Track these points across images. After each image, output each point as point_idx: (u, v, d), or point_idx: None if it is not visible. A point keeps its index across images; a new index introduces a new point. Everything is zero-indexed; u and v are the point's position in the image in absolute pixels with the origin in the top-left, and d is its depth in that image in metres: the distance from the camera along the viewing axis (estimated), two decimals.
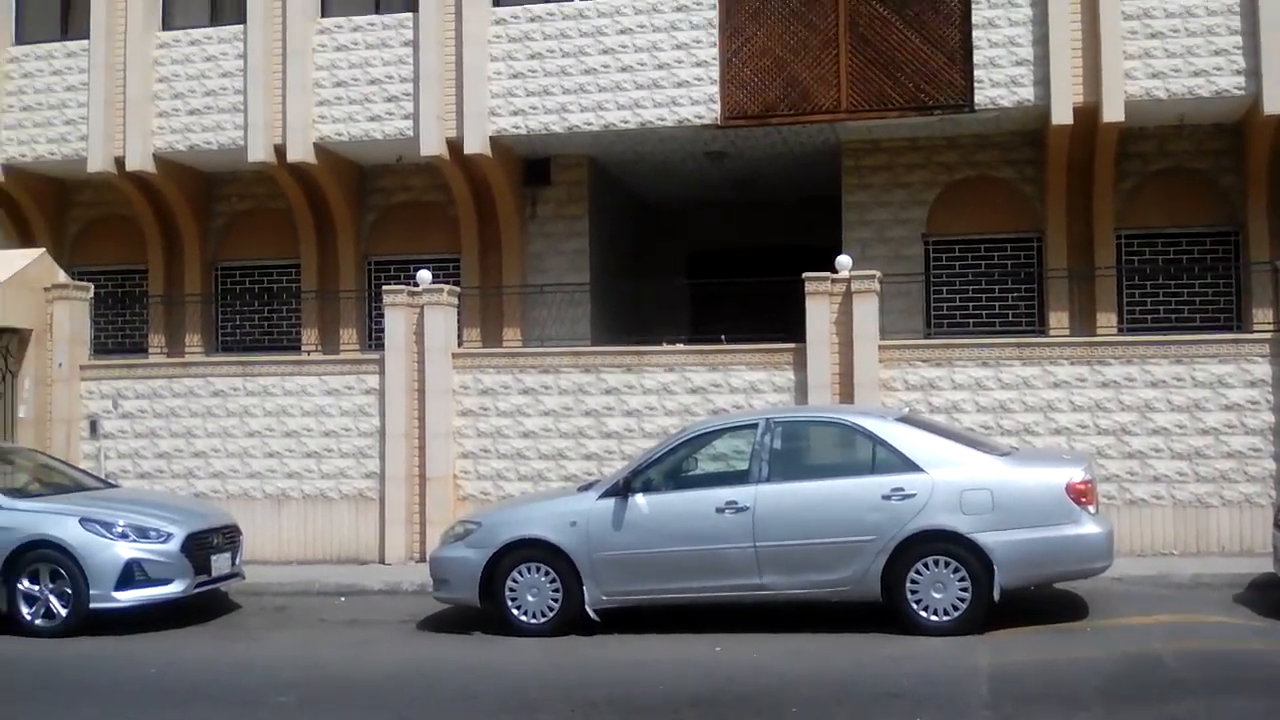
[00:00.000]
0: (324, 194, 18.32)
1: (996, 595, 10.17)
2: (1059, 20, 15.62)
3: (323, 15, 17.87)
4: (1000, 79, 15.95)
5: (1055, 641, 9.96)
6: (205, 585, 12.48)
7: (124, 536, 12.04)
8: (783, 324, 14.87)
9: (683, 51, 16.71)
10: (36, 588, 11.92)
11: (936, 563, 10.26)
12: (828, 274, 14.31)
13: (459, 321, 15.99)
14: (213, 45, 18.12)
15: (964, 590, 10.20)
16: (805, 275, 14.34)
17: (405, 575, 14.05)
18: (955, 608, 10.21)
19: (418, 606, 12.44)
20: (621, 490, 11.02)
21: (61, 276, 16.60)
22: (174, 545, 12.12)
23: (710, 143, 17.54)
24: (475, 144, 17.05)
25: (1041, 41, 15.74)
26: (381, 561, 15.00)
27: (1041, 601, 11.02)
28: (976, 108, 16.10)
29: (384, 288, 15.72)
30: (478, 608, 11.30)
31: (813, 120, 16.71)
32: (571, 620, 10.93)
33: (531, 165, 18.29)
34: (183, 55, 18.21)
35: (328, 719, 8.81)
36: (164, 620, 12.08)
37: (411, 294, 15.34)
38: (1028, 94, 15.84)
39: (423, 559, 14.41)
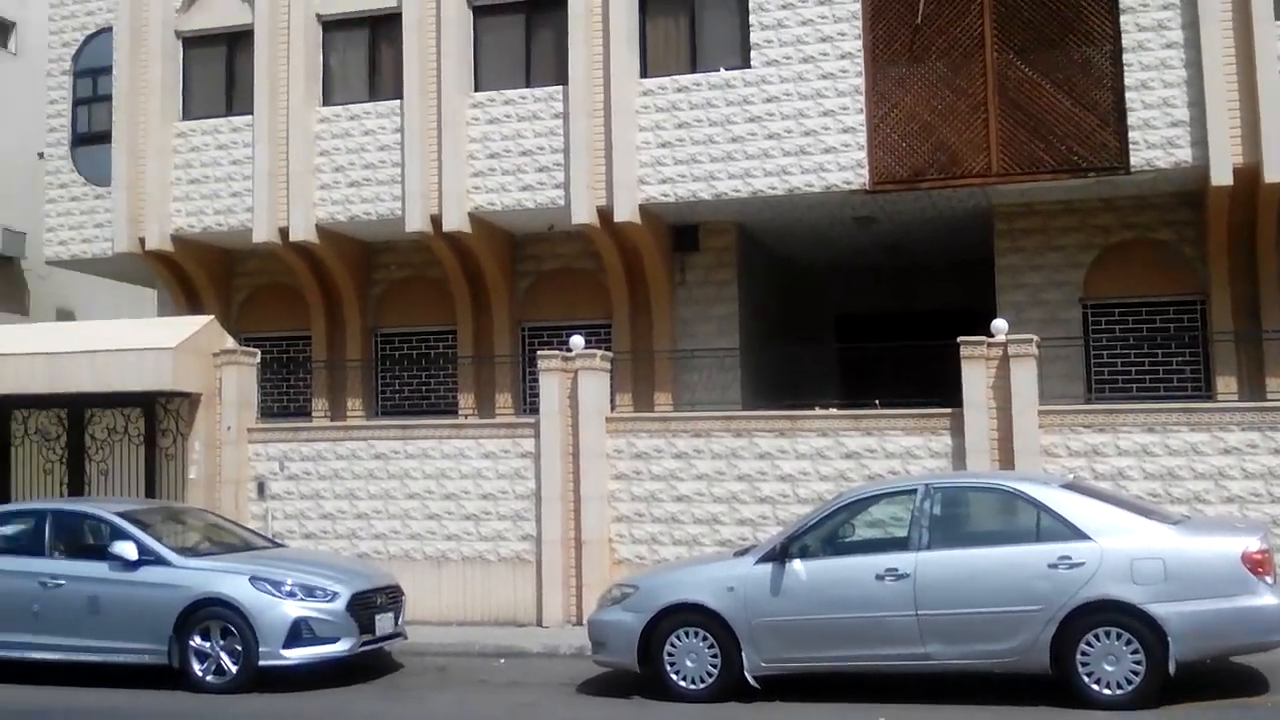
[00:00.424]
0: (478, 262, 18.76)
1: (1172, 669, 9.86)
2: (1214, 80, 15.39)
3: (476, 89, 18.36)
4: (1156, 140, 15.74)
5: (1233, 718, 9.64)
6: (369, 644, 12.68)
7: (292, 595, 12.31)
8: (935, 389, 14.74)
9: (829, 118, 16.81)
10: (208, 644, 12.24)
11: (1108, 634, 9.99)
12: (983, 338, 14.18)
13: (611, 386, 16.18)
14: (371, 120, 18.72)
15: (1137, 663, 9.91)
16: (960, 339, 14.23)
17: (563, 638, 14.18)
18: (1128, 681, 9.92)
19: (576, 669, 12.52)
20: (778, 556, 10.97)
21: (230, 342, 17.20)
22: (340, 604, 12.37)
23: (858, 208, 17.57)
24: (625, 212, 17.33)
25: (1197, 103, 15.51)
26: (539, 624, 15.15)
27: (1218, 675, 10.64)
28: (1132, 169, 15.90)
29: (538, 353, 16.00)
30: (636, 672, 11.29)
31: (963, 184, 16.67)
32: (731, 686, 10.87)
33: (680, 232, 18.53)
34: (342, 129, 18.84)
35: None
36: (329, 679, 12.31)
37: (565, 359, 15.59)
38: (1185, 155, 15.60)
39: (579, 622, 14.51)
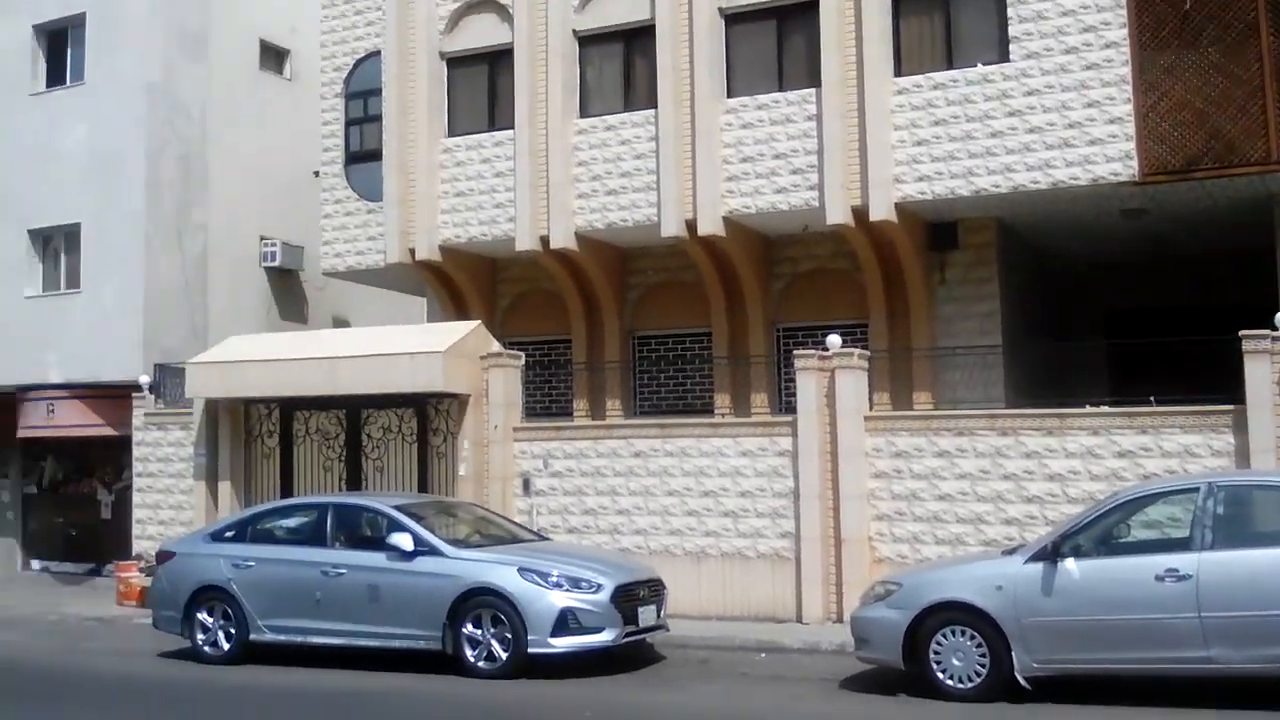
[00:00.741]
0: (733, 264, 18.87)
1: None
2: None
3: (729, 96, 18.45)
4: None
5: None
6: (632, 635, 12.92)
7: (559, 586, 12.64)
8: (1212, 387, 14.06)
9: (1094, 109, 16.24)
10: (479, 632, 12.67)
11: None
12: (1267, 332, 13.45)
13: (869, 385, 16.04)
14: (626, 129, 19.05)
15: None
16: (1242, 334, 13.53)
17: (823, 635, 14.14)
18: None
19: (838, 666, 12.46)
20: (1050, 555, 10.66)
21: (495, 346, 17.82)
22: (604, 596, 12.64)
23: (1127, 200, 16.91)
24: (880, 211, 17.13)
25: None
26: (798, 620, 15.16)
27: None
28: None
29: (795, 353, 16.01)
30: (900, 669, 11.15)
31: (1240, 173, 15.83)
32: (1000, 686, 10.61)
33: (937, 230, 18.20)
34: (599, 140, 19.23)
35: None
36: (593, 668, 12.57)
37: (822, 358, 15.56)
38: None
39: (840, 619, 14.48)
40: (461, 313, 20.57)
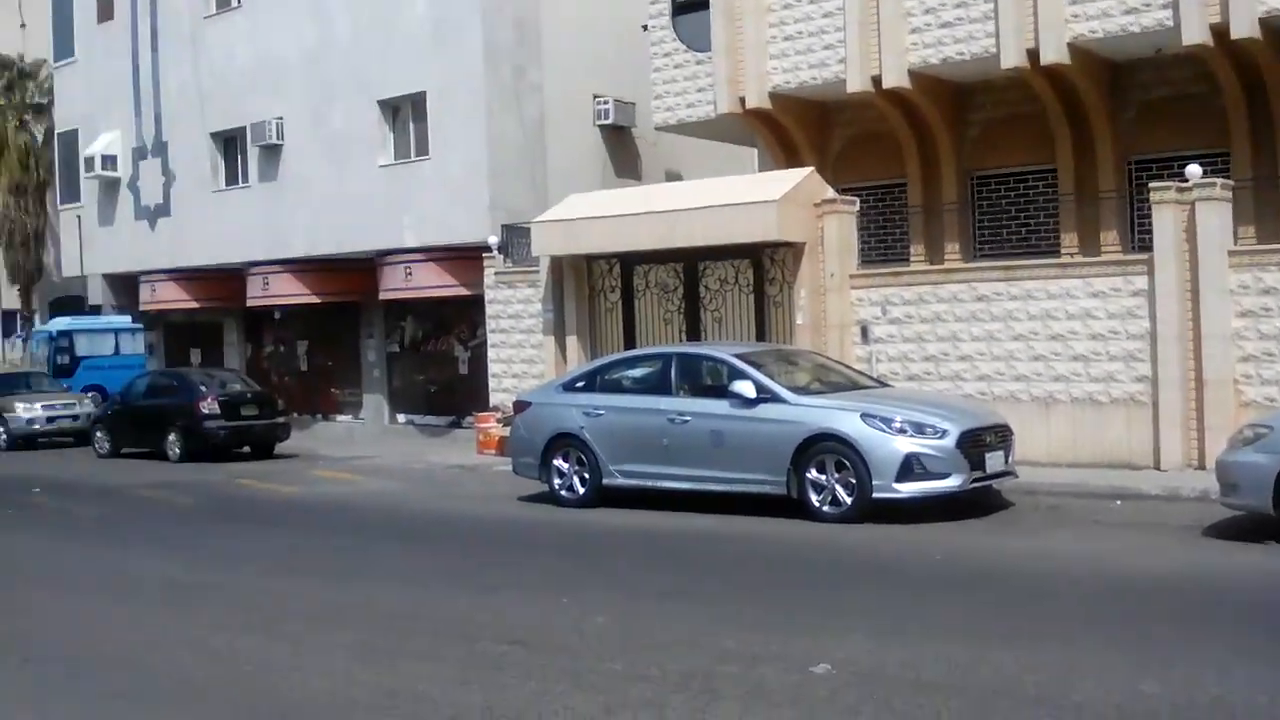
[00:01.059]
0: (1078, 95, 17.82)
1: None
2: None
3: None
4: None
5: None
6: (979, 481, 12.77)
7: (902, 432, 12.59)
8: None
9: None
10: (823, 477, 12.79)
11: None
12: None
13: (1232, 218, 14.97)
14: None
15: None
16: None
17: (1184, 481, 13.54)
18: None
19: (1200, 513, 11.93)
20: None
21: (829, 193, 17.61)
22: (949, 442, 12.50)
23: None
24: (1243, 28, 15.66)
25: None
26: (1155, 467, 14.57)
27: None
28: None
29: (1151, 185, 15.11)
30: (1270, 516, 10.56)
31: None
32: None
33: None
34: None
35: (1121, 615, 8.56)
36: (939, 513, 12.51)
37: (1180, 190, 14.62)
38: None
39: (1201, 466, 13.84)
40: (793, 160, 20.37)
